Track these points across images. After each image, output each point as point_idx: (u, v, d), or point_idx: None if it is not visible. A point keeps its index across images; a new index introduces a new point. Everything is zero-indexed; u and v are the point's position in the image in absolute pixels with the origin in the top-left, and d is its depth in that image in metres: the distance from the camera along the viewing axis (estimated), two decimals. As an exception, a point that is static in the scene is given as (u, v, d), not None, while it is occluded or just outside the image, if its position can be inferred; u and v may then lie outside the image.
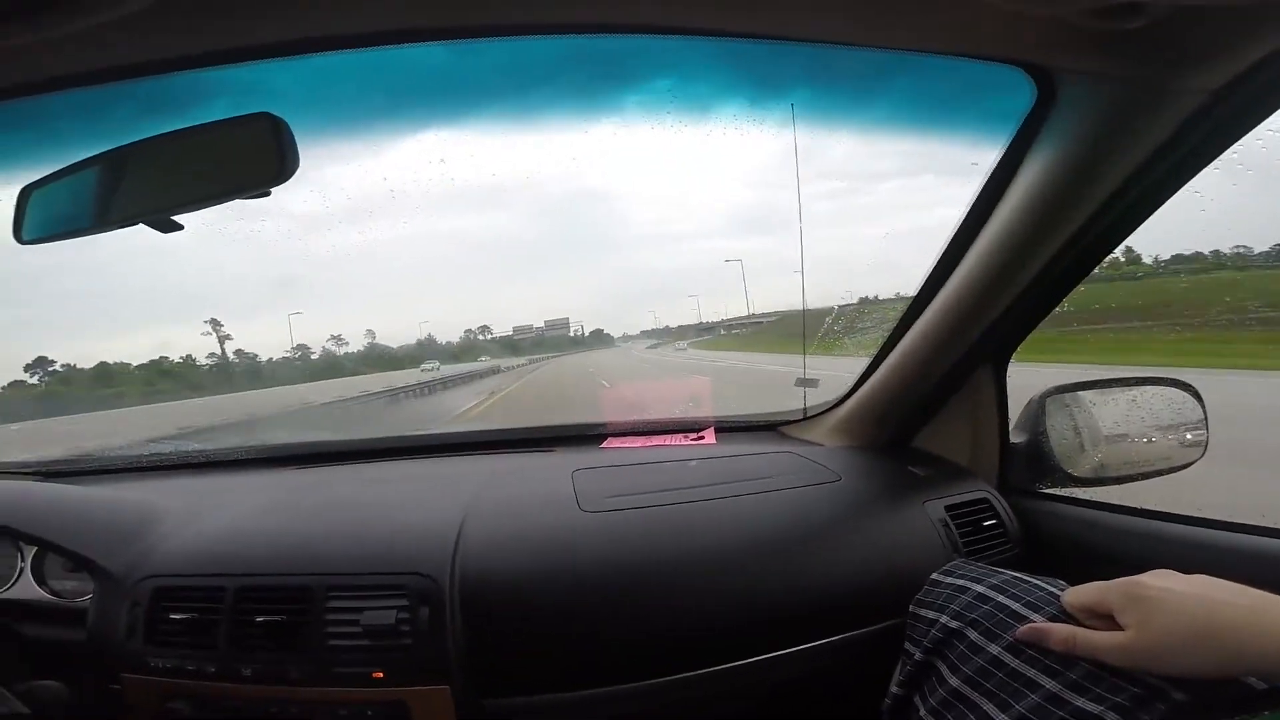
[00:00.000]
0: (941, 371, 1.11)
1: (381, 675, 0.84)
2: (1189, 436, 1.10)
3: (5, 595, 1.05)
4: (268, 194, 0.72)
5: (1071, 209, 0.83)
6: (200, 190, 0.70)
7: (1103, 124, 0.74)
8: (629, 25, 0.66)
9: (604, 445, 1.42)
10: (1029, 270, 0.91)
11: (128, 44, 0.59)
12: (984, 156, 0.88)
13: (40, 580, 1.06)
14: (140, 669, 0.88)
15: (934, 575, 0.88)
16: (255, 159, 0.67)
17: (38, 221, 0.73)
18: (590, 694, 0.88)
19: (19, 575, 1.06)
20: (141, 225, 0.71)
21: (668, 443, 1.40)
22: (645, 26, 0.66)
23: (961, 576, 0.83)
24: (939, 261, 1.01)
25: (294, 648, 0.86)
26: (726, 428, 1.44)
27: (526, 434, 1.53)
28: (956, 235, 0.96)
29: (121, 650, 0.89)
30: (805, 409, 1.43)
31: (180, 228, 0.73)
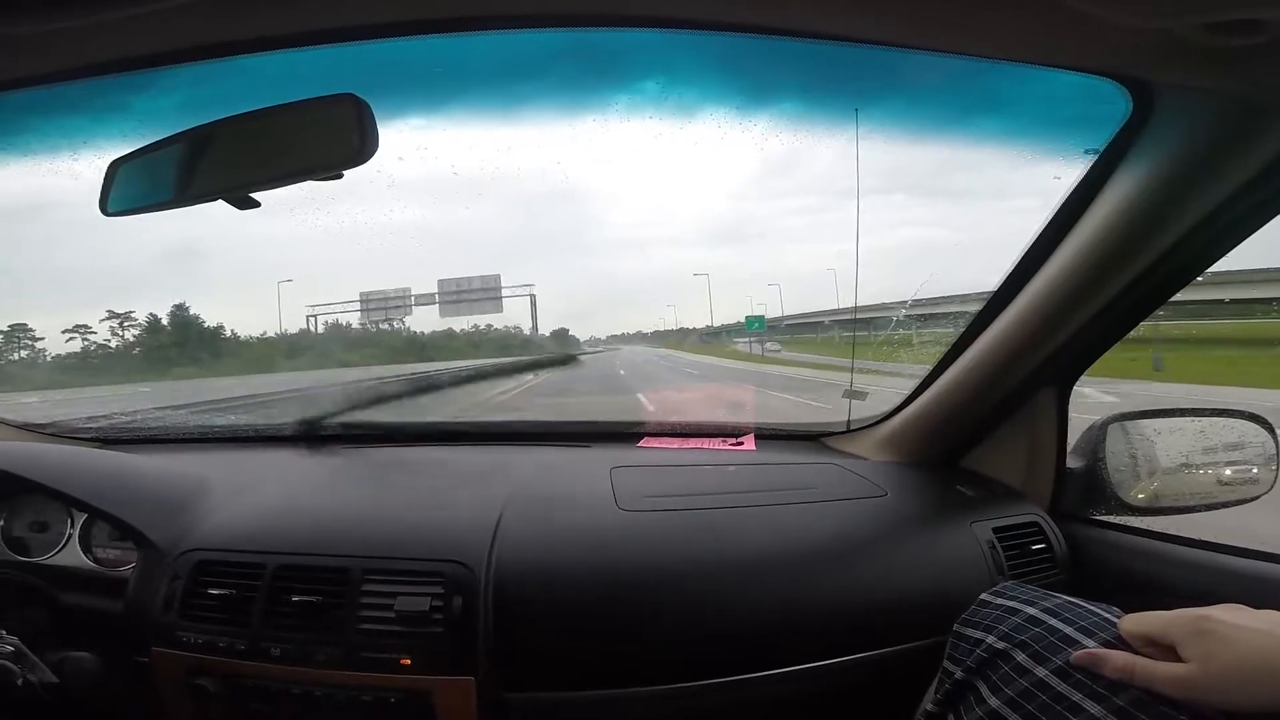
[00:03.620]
0: (1003, 392, 1.08)
1: (409, 662, 0.84)
2: (1255, 471, 1.07)
3: (50, 561, 1.08)
4: (340, 176, 0.72)
5: (1160, 229, 0.80)
6: (278, 169, 0.70)
7: (1204, 142, 0.71)
8: (653, 19, 0.64)
9: (641, 444, 1.41)
10: (1108, 291, 0.88)
11: (187, 26, 0.59)
12: (1067, 170, 0.85)
13: (86, 548, 1.09)
14: (171, 643, 0.89)
15: (983, 596, 0.85)
16: (335, 139, 0.67)
17: (122, 195, 0.75)
18: (614, 694, 0.87)
19: (66, 541, 1.09)
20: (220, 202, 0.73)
21: (706, 446, 1.39)
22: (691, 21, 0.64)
23: (1012, 598, 0.81)
24: (1007, 278, 0.97)
25: (326, 629, 0.86)
26: (767, 435, 1.42)
27: (566, 427, 1.53)
28: (1029, 252, 0.93)
29: (156, 623, 0.90)
30: (849, 421, 1.40)
31: (257, 205, 0.74)
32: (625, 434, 1.46)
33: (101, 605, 0.98)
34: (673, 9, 0.61)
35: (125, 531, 0.98)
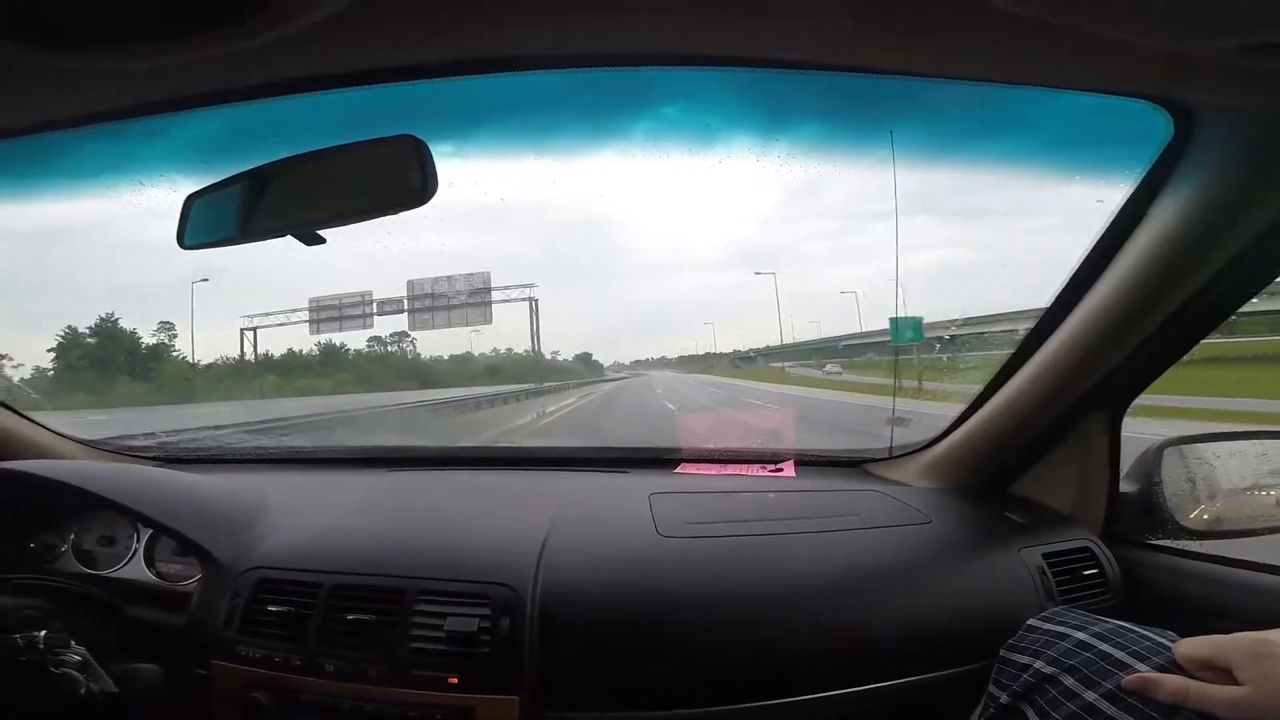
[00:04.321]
0: (1052, 417, 1.07)
1: (456, 681, 0.85)
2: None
3: (116, 574, 1.13)
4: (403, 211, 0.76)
5: (1209, 250, 0.79)
6: (344, 208, 0.75)
7: (1249, 163, 0.71)
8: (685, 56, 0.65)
9: (678, 470, 1.42)
10: (1159, 314, 0.87)
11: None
12: (1110, 193, 0.85)
13: (149, 562, 1.13)
14: (231, 657, 0.92)
15: (1030, 621, 0.85)
16: (397, 179, 0.71)
17: (197, 229, 0.80)
18: (654, 716, 0.87)
19: (131, 556, 1.14)
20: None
21: (744, 473, 1.39)
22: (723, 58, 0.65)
23: (1061, 623, 0.81)
24: (1054, 303, 0.97)
25: (378, 647, 0.88)
26: (807, 461, 1.41)
27: (604, 453, 1.54)
28: (1075, 276, 0.93)
29: (217, 637, 0.94)
30: (890, 448, 1.39)
31: (323, 241, 0.78)
32: (663, 460, 1.46)
33: (164, 619, 1.02)
34: (700, 46, 0.64)
35: (191, 549, 1.02)
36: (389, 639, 0.88)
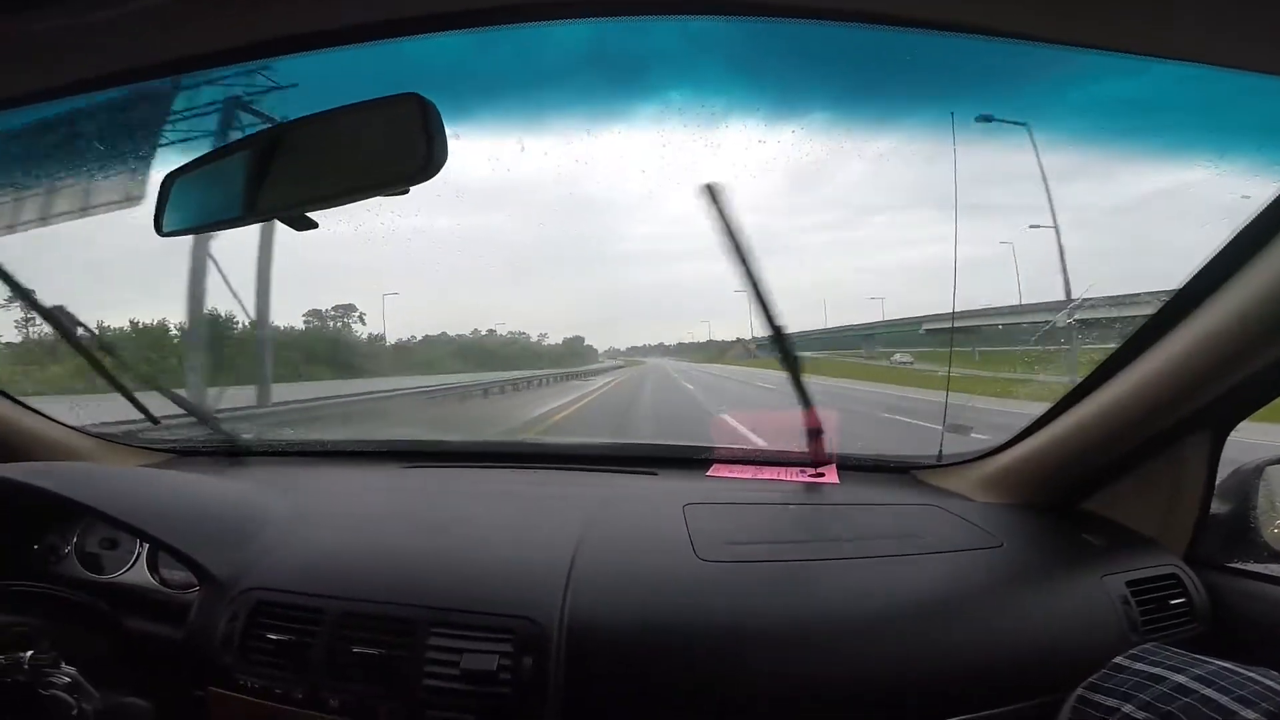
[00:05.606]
0: (1149, 434, 0.95)
1: None
2: None
3: (119, 579, 1.07)
4: (406, 191, 0.64)
5: None
6: (339, 183, 0.63)
7: None
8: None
9: (711, 472, 1.33)
10: None
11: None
12: (1258, 189, 0.71)
13: (152, 568, 1.08)
14: (228, 684, 0.86)
15: (1116, 660, 0.77)
16: (398, 148, 0.59)
17: (177, 213, 0.69)
18: None
19: (135, 560, 1.09)
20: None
21: (782, 477, 1.28)
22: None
23: (1155, 664, 0.74)
24: (1166, 306, 0.84)
25: (388, 683, 0.81)
26: (851, 465, 1.31)
27: (632, 450, 1.47)
28: (1197, 279, 0.80)
29: (214, 661, 0.87)
30: (940, 454, 1.28)
31: (314, 225, 0.67)
32: (694, 460, 1.38)
33: (163, 632, 0.96)
34: None
35: (186, 564, 0.96)
36: (400, 675, 0.81)
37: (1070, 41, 0.53)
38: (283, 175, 0.63)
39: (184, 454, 1.48)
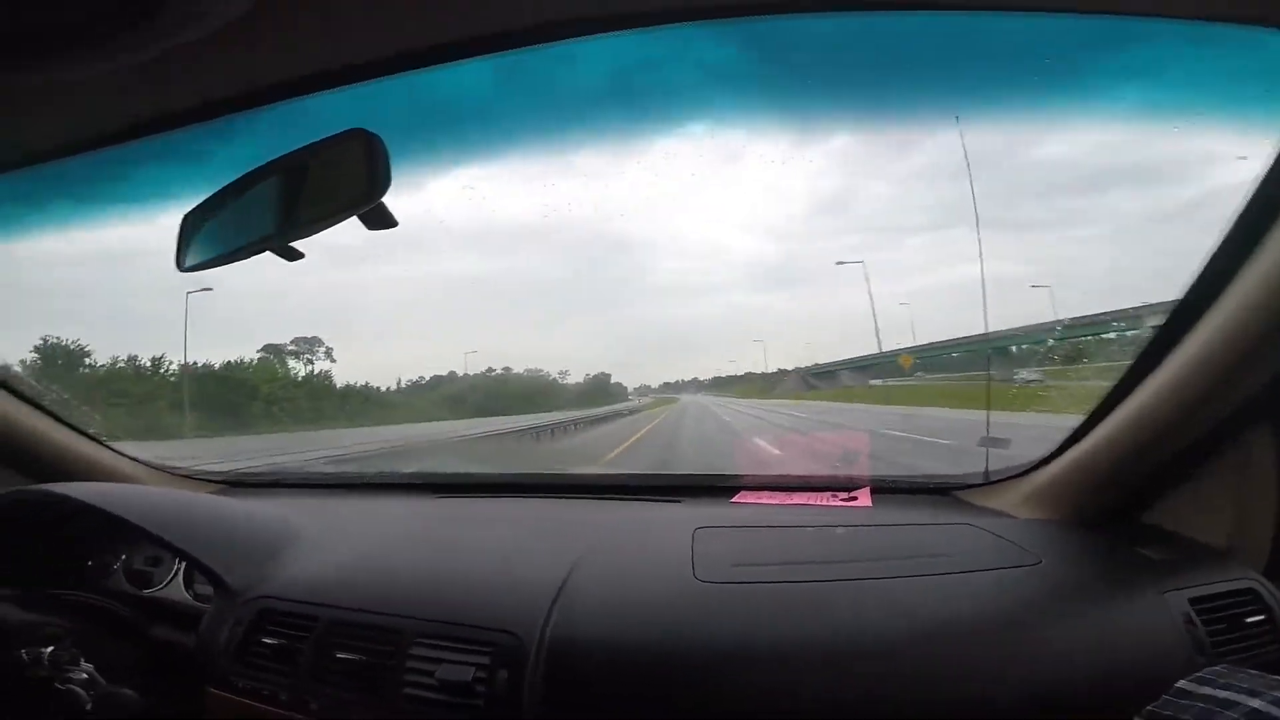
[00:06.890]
0: (1198, 431, 0.87)
1: None
2: None
3: (159, 594, 1.14)
4: (393, 224, 0.69)
5: None
6: (306, 215, 0.68)
7: None
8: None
9: (735, 500, 1.29)
10: None
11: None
12: (1255, 147, 0.68)
13: (188, 584, 1.14)
14: (225, 685, 0.90)
15: (1180, 684, 0.68)
16: (350, 179, 0.64)
17: (193, 249, 0.76)
18: None
19: (172, 577, 1.15)
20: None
21: (811, 502, 1.23)
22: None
23: (1226, 688, 0.65)
24: (1192, 287, 0.78)
25: (368, 690, 0.84)
26: (887, 489, 1.24)
27: (655, 480, 1.45)
28: (1221, 250, 0.74)
29: (215, 664, 0.92)
30: (987, 472, 1.20)
31: (301, 256, 0.71)
32: (719, 488, 1.34)
33: (182, 640, 1.01)
34: None
35: (203, 571, 1.01)
36: (381, 682, 0.83)
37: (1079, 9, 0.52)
38: (264, 210, 0.69)
39: (233, 484, 1.57)
